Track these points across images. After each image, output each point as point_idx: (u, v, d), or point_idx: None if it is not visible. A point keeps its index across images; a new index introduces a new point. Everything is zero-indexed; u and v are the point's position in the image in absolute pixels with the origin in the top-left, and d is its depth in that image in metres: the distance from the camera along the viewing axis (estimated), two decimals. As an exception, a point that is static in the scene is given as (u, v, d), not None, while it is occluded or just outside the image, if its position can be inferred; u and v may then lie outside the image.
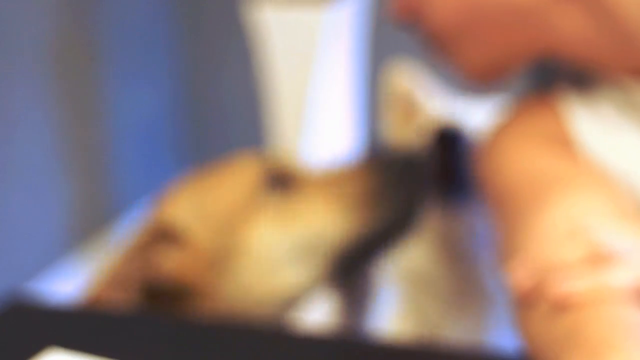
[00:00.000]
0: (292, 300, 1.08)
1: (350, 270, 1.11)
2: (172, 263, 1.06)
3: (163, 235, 1.07)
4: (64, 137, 2.55)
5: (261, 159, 1.10)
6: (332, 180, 1.12)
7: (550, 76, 1.03)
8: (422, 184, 1.09)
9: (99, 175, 2.72)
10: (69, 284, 2.50)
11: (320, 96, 2.18)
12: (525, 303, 0.74)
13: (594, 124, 0.94)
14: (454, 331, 1.23)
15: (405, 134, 1.28)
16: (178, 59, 3.02)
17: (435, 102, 1.30)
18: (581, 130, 0.94)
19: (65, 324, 0.91)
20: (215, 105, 3.06)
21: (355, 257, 1.09)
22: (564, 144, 0.95)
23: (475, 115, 1.25)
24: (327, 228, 1.08)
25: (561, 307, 0.70)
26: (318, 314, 1.28)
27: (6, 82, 2.29)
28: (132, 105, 2.85)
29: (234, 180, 1.08)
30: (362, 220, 1.08)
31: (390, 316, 1.30)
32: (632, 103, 0.93)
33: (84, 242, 2.67)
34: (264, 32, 2.13)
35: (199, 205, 1.09)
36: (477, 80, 1.03)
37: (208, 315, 0.98)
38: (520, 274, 0.74)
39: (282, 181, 1.11)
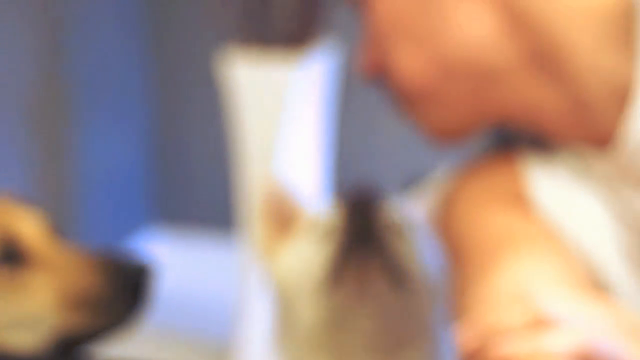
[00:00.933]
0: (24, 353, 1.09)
1: (68, 350, 1.11)
2: None
3: None
4: (37, 184, 2.54)
5: (5, 225, 1.09)
6: (60, 267, 1.12)
7: (510, 136, 1.05)
8: (145, 293, 1.11)
9: (68, 221, 2.66)
10: None
11: (288, 150, 2.21)
12: (471, 357, 0.76)
13: (551, 187, 0.96)
14: None
15: (281, 244, 1.29)
16: (150, 110, 3.02)
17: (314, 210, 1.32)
18: (538, 192, 0.96)
19: None
20: (185, 155, 3.06)
21: (70, 343, 1.11)
22: (521, 203, 0.98)
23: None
24: (43, 311, 1.10)
25: None
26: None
27: None
28: (103, 153, 2.84)
29: None
30: (72, 316, 1.10)
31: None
32: (588, 169, 0.95)
33: None
34: (235, 86, 2.17)
35: None
36: (440, 139, 1.03)
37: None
38: (467, 335, 0.76)
39: (13, 255, 1.10)
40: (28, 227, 1.12)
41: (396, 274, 1.13)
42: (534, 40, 0.94)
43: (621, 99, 0.92)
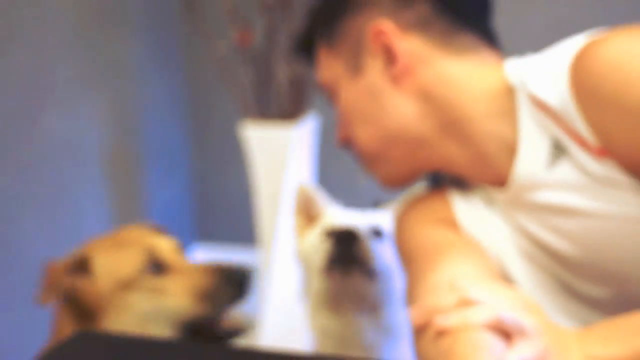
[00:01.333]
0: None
1: (192, 333, 1.20)
2: (79, 283, 1.13)
3: (81, 263, 1.15)
4: (114, 215, 2.74)
5: (150, 245, 1.14)
6: (188, 274, 1.18)
7: (440, 177, 1.15)
8: (240, 288, 1.18)
9: None
10: None
11: (290, 189, 2.45)
12: (419, 333, 0.84)
13: (469, 212, 1.04)
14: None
15: (307, 230, 1.53)
16: (192, 164, 3.21)
17: (332, 208, 1.55)
18: (460, 215, 1.04)
19: (125, 351, 0.88)
20: (218, 194, 3.23)
21: (194, 327, 1.20)
22: (449, 223, 1.05)
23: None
24: (179, 306, 1.16)
25: (440, 334, 0.80)
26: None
27: (75, 178, 2.52)
28: (162, 195, 3.04)
29: (130, 253, 1.13)
30: (199, 307, 1.17)
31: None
32: (492, 200, 1.03)
33: None
34: (250, 143, 2.42)
35: (107, 257, 1.15)
36: (391, 186, 1.11)
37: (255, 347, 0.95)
38: (415, 315, 0.83)
39: (157, 266, 1.19)
40: (165, 246, 1.21)
41: (368, 273, 1.36)
42: (443, 115, 1.01)
43: (511, 152, 0.98)
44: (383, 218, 1.49)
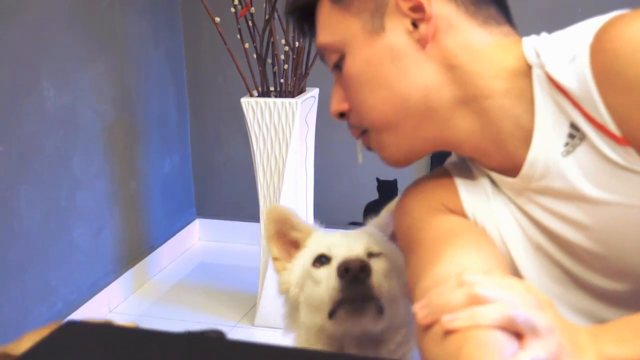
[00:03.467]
0: None
1: None
2: None
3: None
4: (112, 189, 2.86)
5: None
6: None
7: (443, 160, 1.13)
8: None
9: (134, 216, 3.01)
10: (116, 297, 2.87)
11: (288, 161, 2.52)
12: (424, 331, 0.83)
13: (474, 199, 1.04)
14: None
15: (288, 259, 1.32)
16: (192, 137, 3.32)
17: (317, 232, 1.32)
18: (466, 203, 1.04)
19: (112, 341, 0.86)
20: (220, 169, 3.33)
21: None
22: (456, 211, 1.04)
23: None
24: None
25: (448, 333, 0.79)
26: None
27: (73, 151, 2.62)
28: (158, 168, 3.15)
29: None
30: None
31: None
32: (497, 187, 1.03)
33: (126, 265, 2.94)
34: (251, 117, 2.51)
35: None
36: (395, 163, 1.08)
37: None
38: (422, 312, 0.83)
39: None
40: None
41: (380, 310, 1.17)
42: (463, 87, 0.99)
43: (525, 135, 0.96)
44: (374, 235, 1.32)
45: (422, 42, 0.99)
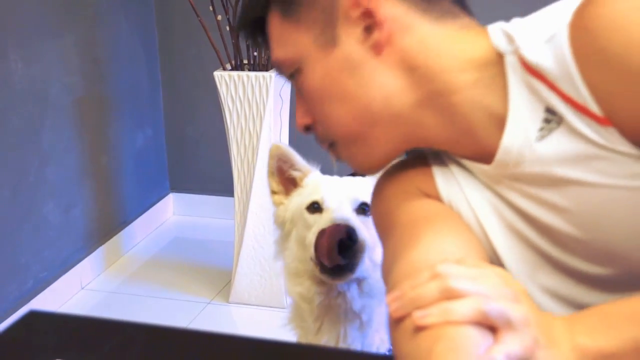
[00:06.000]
0: None
1: None
2: None
3: None
4: (83, 163, 2.85)
5: None
6: None
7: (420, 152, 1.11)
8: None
9: (106, 191, 3.00)
10: (88, 274, 2.87)
11: (263, 135, 2.54)
12: (396, 323, 0.83)
13: (448, 183, 1.03)
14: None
15: (285, 194, 1.47)
16: (164, 111, 3.30)
17: (313, 174, 1.48)
18: (441, 187, 1.03)
19: (73, 331, 0.88)
20: (193, 143, 3.33)
21: None
22: (431, 195, 1.04)
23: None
24: None
25: (420, 327, 0.79)
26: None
27: (42, 125, 2.61)
28: (132, 145, 3.15)
29: None
30: None
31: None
32: (471, 175, 1.02)
33: (98, 241, 2.94)
34: (224, 92, 2.52)
35: None
36: (370, 170, 1.09)
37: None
38: (395, 306, 0.82)
39: None
40: None
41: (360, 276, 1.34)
42: (426, 86, 0.97)
43: (499, 124, 0.95)
44: (368, 185, 1.42)
45: (377, 48, 0.97)
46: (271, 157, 1.43)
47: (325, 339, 1.45)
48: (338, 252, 1.30)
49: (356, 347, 1.46)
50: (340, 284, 1.39)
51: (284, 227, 1.45)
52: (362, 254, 1.36)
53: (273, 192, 1.46)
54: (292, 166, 1.44)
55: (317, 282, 1.40)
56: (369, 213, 1.43)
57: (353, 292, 1.42)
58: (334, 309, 1.43)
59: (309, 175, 1.45)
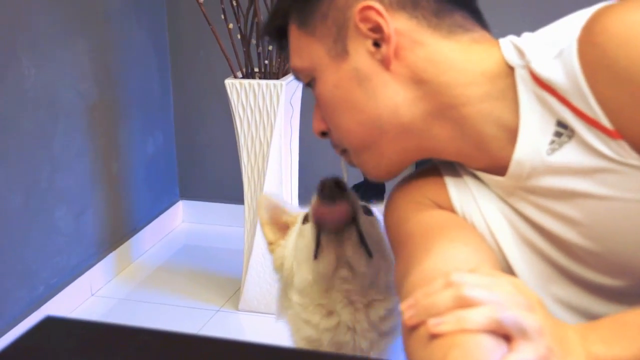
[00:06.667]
0: None
1: None
2: None
3: None
4: (94, 170, 2.85)
5: None
6: None
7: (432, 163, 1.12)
8: None
9: (116, 198, 3.01)
10: (98, 281, 2.86)
11: (273, 143, 2.54)
12: (410, 332, 0.84)
13: (462, 194, 1.04)
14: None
15: (281, 240, 1.38)
16: (175, 117, 3.31)
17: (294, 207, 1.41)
18: (454, 198, 1.04)
19: (90, 336, 0.88)
20: (203, 150, 3.33)
21: None
22: (444, 206, 1.04)
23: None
24: None
25: (434, 335, 0.79)
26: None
27: (53, 131, 2.61)
28: (143, 151, 3.15)
29: None
30: None
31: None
32: (482, 186, 1.03)
33: (109, 248, 2.94)
34: (235, 100, 2.52)
35: None
36: (380, 178, 1.09)
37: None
38: (408, 312, 0.83)
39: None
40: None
41: (366, 249, 1.20)
42: (436, 99, 0.99)
43: (511, 137, 0.96)
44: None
45: (385, 62, 0.99)
46: (262, 208, 1.39)
47: None
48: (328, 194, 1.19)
49: None
50: (344, 256, 1.23)
51: (284, 269, 1.36)
52: (359, 214, 1.22)
53: (270, 244, 1.40)
54: (284, 212, 1.39)
55: (326, 313, 1.30)
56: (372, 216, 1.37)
57: (363, 324, 1.30)
58: (342, 347, 1.31)
59: (301, 216, 1.37)
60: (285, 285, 1.36)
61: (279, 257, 1.37)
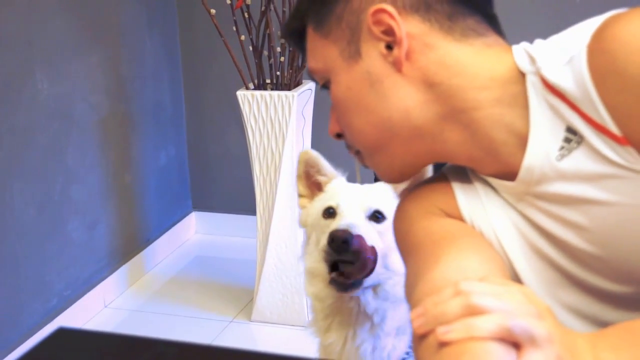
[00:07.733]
0: None
1: None
2: None
3: None
4: (107, 182, 2.87)
5: None
6: None
7: (441, 169, 1.13)
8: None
9: (129, 209, 3.03)
10: (111, 292, 2.88)
11: (288, 157, 2.56)
12: (420, 339, 0.84)
13: (470, 202, 1.05)
14: None
15: (310, 198, 1.56)
16: (187, 129, 3.33)
17: (335, 180, 1.56)
18: (463, 206, 1.04)
19: (103, 348, 0.89)
20: (216, 162, 3.34)
21: None
22: (453, 214, 1.05)
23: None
24: None
25: (444, 343, 0.79)
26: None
27: (67, 143, 2.63)
28: (155, 163, 3.17)
29: None
30: None
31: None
32: (492, 193, 1.04)
33: (122, 260, 2.96)
34: (247, 111, 2.54)
35: None
36: (392, 180, 1.12)
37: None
38: (418, 320, 0.83)
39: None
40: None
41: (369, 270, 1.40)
42: (447, 103, 0.99)
43: (521, 142, 0.96)
44: (384, 193, 1.50)
45: (397, 65, 1.00)
46: (300, 162, 1.51)
47: (333, 338, 1.49)
48: (336, 253, 1.39)
49: (365, 348, 1.47)
50: (346, 295, 1.46)
51: (307, 230, 1.53)
52: (363, 266, 1.42)
53: (300, 195, 1.54)
54: (319, 171, 1.52)
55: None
56: (382, 220, 1.49)
57: (367, 296, 1.46)
58: (345, 310, 1.47)
59: (333, 180, 1.53)
60: (307, 239, 1.51)
61: (303, 219, 1.52)
